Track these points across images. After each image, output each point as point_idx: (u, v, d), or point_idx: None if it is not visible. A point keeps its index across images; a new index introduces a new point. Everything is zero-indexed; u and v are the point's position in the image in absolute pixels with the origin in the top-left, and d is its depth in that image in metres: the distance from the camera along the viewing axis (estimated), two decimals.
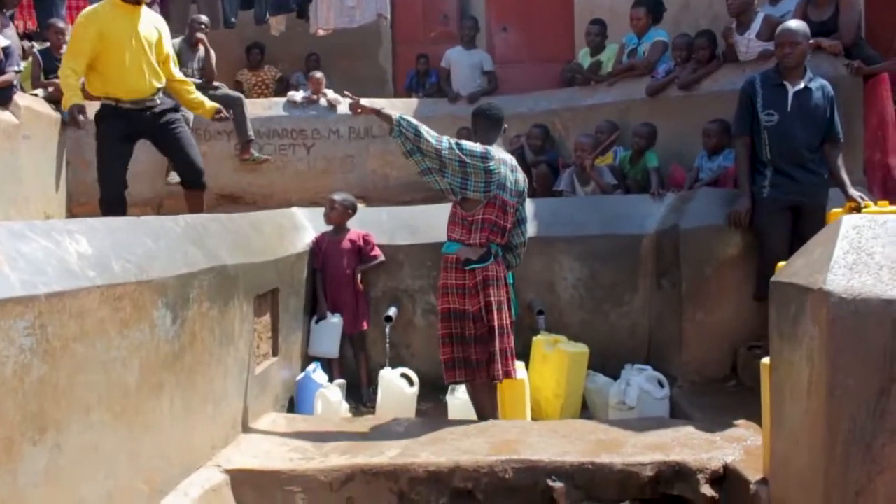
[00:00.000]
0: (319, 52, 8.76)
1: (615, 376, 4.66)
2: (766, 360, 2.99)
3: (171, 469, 2.93)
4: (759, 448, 3.24)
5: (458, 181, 3.83)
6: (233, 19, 7.82)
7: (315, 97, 7.29)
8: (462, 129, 6.84)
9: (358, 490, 3.23)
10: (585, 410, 4.61)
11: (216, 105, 5.00)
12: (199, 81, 6.99)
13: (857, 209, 4.11)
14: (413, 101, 7.77)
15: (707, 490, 3.22)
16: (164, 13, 7.59)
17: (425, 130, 3.81)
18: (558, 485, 3.25)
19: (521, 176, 4.13)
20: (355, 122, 7.39)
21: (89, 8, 4.24)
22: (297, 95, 7.31)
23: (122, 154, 4.62)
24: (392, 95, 9.13)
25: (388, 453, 3.36)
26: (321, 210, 5.18)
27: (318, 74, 7.39)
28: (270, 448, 3.46)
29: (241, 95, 7.21)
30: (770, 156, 4.32)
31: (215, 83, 7.13)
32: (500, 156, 3.98)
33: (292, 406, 4.45)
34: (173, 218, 3.40)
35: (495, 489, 3.27)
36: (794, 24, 4.34)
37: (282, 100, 7.42)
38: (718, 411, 4.03)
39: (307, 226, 5.13)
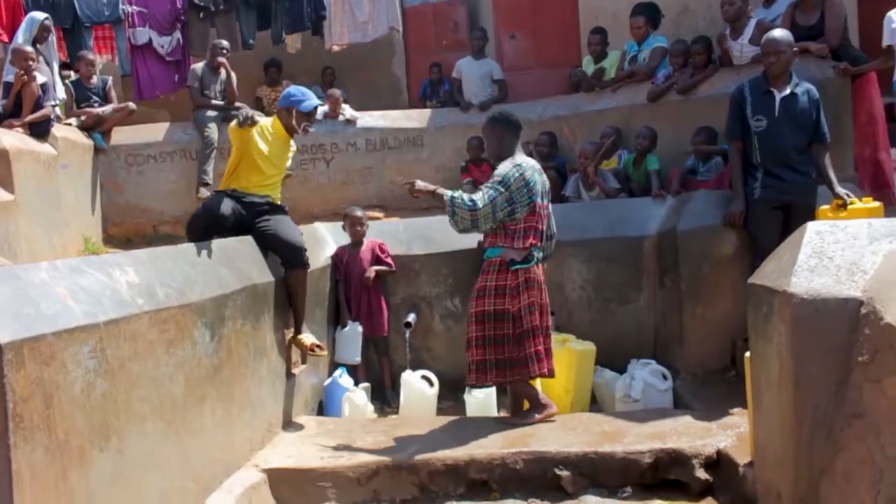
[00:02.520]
0: (335, 65, 9.07)
1: (623, 371, 4.93)
2: (748, 354, 3.29)
3: (216, 469, 3.28)
4: (748, 435, 3.52)
5: (506, 213, 4.03)
6: (251, 41, 8.17)
7: (334, 114, 7.61)
8: (473, 138, 7.16)
9: (383, 484, 3.57)
10: (595, 404, 4.89)
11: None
12: (221, 103, 7.40)
13: (844, 206, 4.36)
14: (426, 112, 8.08)
15: (701, 474, 3.52)
16: (185, 38, 8.02)
17: (476, 199, 3.98)
18: (565, 473, 3.57)
19: (545, 177, 4.30)
20: (372, 134, 7.72)
21: (263, 123, 4.39)
22: (318, 113, 7.63)
23: None
24: (407, 104, 9.46)
25: (409, 449, 3.69)
26: (339, 223, 5.51)
27: (337, 92, 7.72)
28: (303, 448, 3.81)
29: (262, 114, 7.55)
30: (760, 159, 4.57)
31: (237, 104, 7.49)
32: (529, 162, 4.17)
33: (321, 410, 4.79)
34: (207, 243, 3.75)
35: (508, 479, 3.60)
36: (779, 33, 4.59)
37: None
38: (717, 401, 4.30)
39: (329, 240, 5.46)
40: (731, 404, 4.14)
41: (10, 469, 2.19)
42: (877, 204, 4.31)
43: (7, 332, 2.22)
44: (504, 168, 4.09)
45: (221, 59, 7.40)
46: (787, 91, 4.51)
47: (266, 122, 4.44)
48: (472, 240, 5.24)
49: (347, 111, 7.72)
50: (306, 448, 3.81)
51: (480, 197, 4.00)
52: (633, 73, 6.65)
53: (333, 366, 5.07)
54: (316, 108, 4.50)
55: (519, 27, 8.96)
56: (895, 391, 2.28)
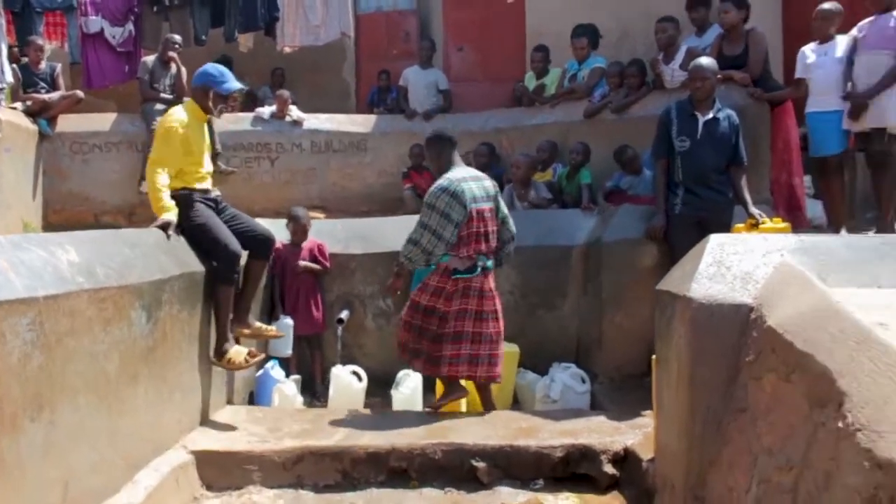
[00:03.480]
0: (285, 66, 9.19)
1: (546, 374, 5.17)
2: (654, 357, 3.54)
3: (145, 448, 3.38)
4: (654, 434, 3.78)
5: (452, 231, 4.23)
6: (203, 37, 8.22)
7: (281, 114, 7.72)
8: (415, 146, 7.36)
9: (307, 469, 3.70)
10: (516, 403, 5.11)
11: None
12: (170, 97, 7.44)
13: (756, 225, 4.68)
14: (372, 117, 8.24)
15: (609, 469, 3.75)
16: (138, 30, 8.04)
17: (411, 236, 4.29)
18: (481, 465, 3.75)
19: (489, 182, 4.51)
20: (317, 136, 7.85)
21: (174, 116, 4.24)
22: (265, 112, 7.74)
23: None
24: (354, 109, 9.62)
25: (334, 437, 3.84)
26: (282, 221, 5.63)
27: (286, 93, 7.82)
28: (231, 434, 3.93)
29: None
30: (682, 177, 4.87)
31: (185, 99, 7.53)
32: (461, 175, 4.37)
33: (252, 400, 4.90)
34: (147, 230, 3.85)
35: (427, 468, 3.76)
36: (705, 60, 4.90)
37: (249, 115, 7.84)
38: (632, 404, 4.54)
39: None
40: (644, 407, 4.38)
41: None
42: (785, 224, 4.65)
43: None
44: (429, 193, 4.33)
45: (172, 54, 7.44)
46: (710, 115, 4.82)
47: (178, 111, 4.30)
48: None
49: (294, 112, 7.83)
50: (234, 433, 3.93)
51: (414, 231, 4.27)
52: (572, 90, 6.94)
53: (265, 358, 5.18)
54: (234, 91, 4.41)
55: (467, 40, 9.21)
56: (772, 387, 2.54)
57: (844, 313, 2.35)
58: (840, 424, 2.03)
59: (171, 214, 4.05)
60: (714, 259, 3.06)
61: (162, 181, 4.13)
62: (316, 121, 7.97)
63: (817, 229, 5.53)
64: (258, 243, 4.46)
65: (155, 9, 7.97)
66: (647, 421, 4.14)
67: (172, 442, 3.64)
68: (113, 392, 3.11)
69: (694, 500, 2.93)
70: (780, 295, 2.77)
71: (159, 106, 7.34)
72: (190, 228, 4.15)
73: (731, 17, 5.57)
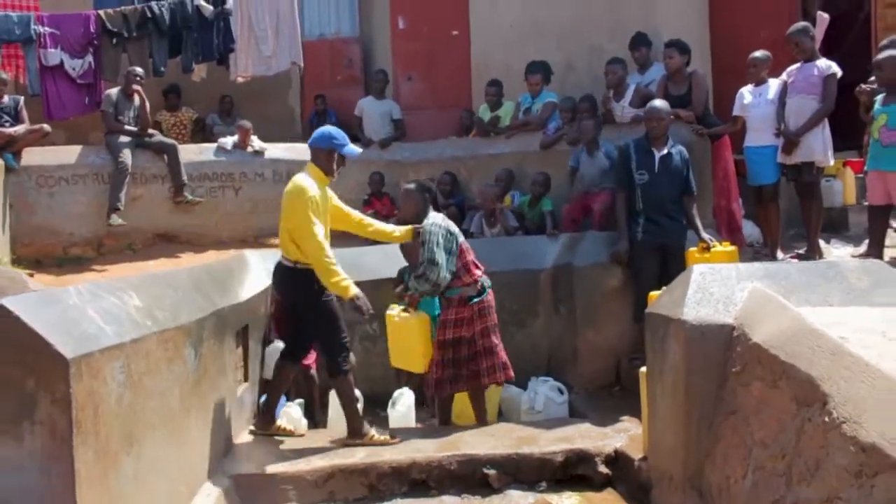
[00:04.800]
0: (232, 94, 9.42)
1: (522, 387, 5.66)
2: (643, 370, 4.08)
3: (198, 475, 3.70)
4: (639, 436, 4.33)
5: (452, 263, 4.77)
6: (162, 68, 8.38)
7: (243, 145, 7.98)
8: (375, 173, 7.78)
9: (338, 485, 4.08)
10: (501, 416, 5.58)
11: (409, 228, 4.93)
12: (135, 129, 7.60)
13: (708, 248, 5.30)
14: None
15: (603, 469, 4.27)
16: (97, 62, 8.14)
17: (430, 282, 4.71)
18: (492, 472, 4.22)
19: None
20: (278, 165, 8.10)
21: (309, 184, 4.32)
22: (228, 142, 7.98)
23: None
24: (300, 135, 9.89)
25: (358, 455, 4.23)
26: (268, 251, 5.93)
27: (247, 124, 8.07)
28: (260, 457, 4.25)
29: (175, 143, 7.81)
30: (642, 206, 5.46)
31: (150, 131, 7.72)
32: (439, 216, 4.93)
33: None
34: (178, 270, 4.15)
35: (444, 478, 4.21)
36: (659, 103, 5.53)
37: (212, 146, 8.05)
38: (608, 411, 5.09)
39: (258, 266, 5.86)
40: (620, 413, 4.94)
41: (74, 469, 2.59)
42: (733, 248, 5.30)
43: (69, 348, 2.62)
44: (431, 233, 4.74)
45: (136, 87, 7.60)
46: (665, 151, 5.44)
47: (305, 180, 4.32)
48: (391, 269, 5.86)
49: (256, 143, 8.09)
50: (263, 456, 4.26)
51: (425, 268, 4.71)
52: (527, 122, 7.48)
53: (262, 383, 5.48)
54: (355, 155, 4.54)
55: (415, 70, 9.64)
56: (760, 392, 3.10)
57: (818, 331, 2.93)
58: (826, 419, 2.60)
59: (357, 289, 4.28)
60: (698, 286, 3.63)
61: (331, 257, 4.21)
62: (276, 150, 8.23)
63: (753, 247, 6.23)
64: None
65: (114, 41, 8.09)
66: (627, 426, 4.68)
67: (213, 468, 3.94)
68: (177, 425, 3.42)
69: (692, 488, 3.48)
70: (756, 315, 3.36)
71: (124, 138, 7.48)
72: (320, 306, 4.36)
73: (675, 61, 6.25)
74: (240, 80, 9.08)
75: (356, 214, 5.03)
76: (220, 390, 4.16)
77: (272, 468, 4.07)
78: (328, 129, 4.60)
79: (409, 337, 5.01)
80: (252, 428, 4.51)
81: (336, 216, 4.73)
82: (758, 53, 5.93)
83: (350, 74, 10.20)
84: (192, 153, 7.88)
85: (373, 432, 4.49)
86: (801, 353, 2.90)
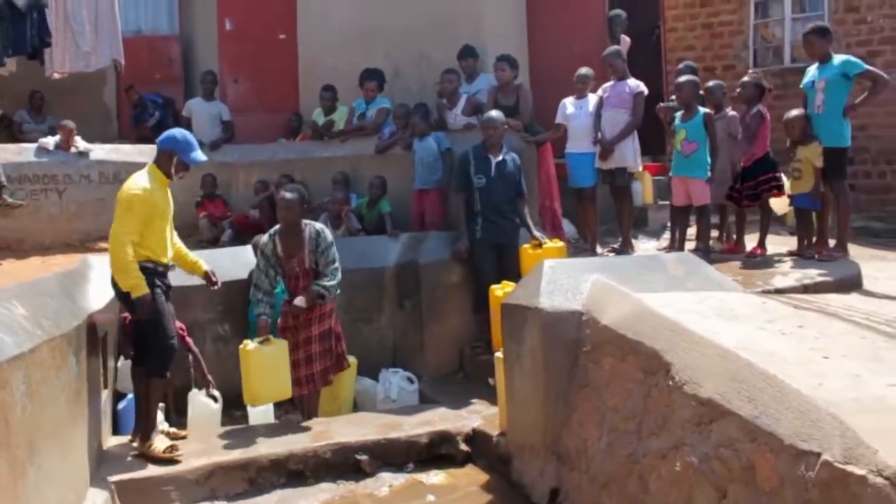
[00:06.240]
0: (44, 90, 8.91)
1: (373, 378, 5.99)
2: (498, 355, 4.57)
3: (82, 482, 3.68)
4: (492, 416, 4.82)
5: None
6: None
7: (66, 145, 7.61)
8: (207, 175, 7.72)
9: (218, 482, 4.20)
10: (356, 406, 5.87)
11: (207, 268, 4.95)
12: None
13: (539, 245, 5.91)
14: (145, 148, 8.27)
15: (464, 447, 4.72)
16: None
17: (334, 283, 5.12)
18: (364, 458, 4.53)
19: None
20: (105, 167, 7.82)
21: (143, 183, 4.30)
22: (50, 143, 7.57)
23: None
24: (116, 134, 9.59)
25: (235, 451, 4.36)
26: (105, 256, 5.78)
27: (70, 124, 7.68)
28: (135, 461, 4.26)
29: None
30: (480, 207, 5.97)
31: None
32: (322, 227, 5.32)
33: (116, 430, 5.11)
34: (45, 279, 4.06)
35: (319, 467, 4.45)
36: (495, 114, 6.07)
37: (33, 146, 7.59)
38: (456, 396, 5.53)
39: (104, 272, 5.71)
40: (468, 397, 5.41)
41: None
42: (562, 244, 5.97)
43: None
44: (327, 239, 5.18)
45: None
46: (500, 157, 5.99)
47: (140, 178, 4.36)
48: (242, 272, 5.94)
49: (80, 143, 7.74)
50: (139, 460, 4.26)
51: (337, 273, 5.16)
52: (361, 127, 7.78)
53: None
54: (199, 163, 4.50)
55: (242, 71, 9.59)
56: (610, 366, 3.67)
57: (658, 312, 3.55)
58: (670, 383, 3.20)
59: (146, 292, 4.20)
60: (549, 279, 4.16)
61: (130, 254, 4.17)
62: (102, 151, 7.92)
63: (572, 243, 6.95)
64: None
65: None
66: (478, 408, 5.17)
67: (94, 475, 3.92)
68: (66, 433, 3.42)
69: (551, 454, 4.00)
70: (601, 302, 3.95)
71: None
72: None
73: (506, 74, 6.83)
74: (56, 76, 8.61)
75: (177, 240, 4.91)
76: (95, 397, 4.12)
77: (152, 471, 4.10)
78: (175, 132, 4.61)
79: (279, 363, 4.98)
80: (135, 450, 4.37)
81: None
82: (583, 70, 6.64)
83: (169, 73, 9.98)
84: (10, 153, 7.40)
85: (156, 443, 4.33)
86: (644, 331, 3.50)
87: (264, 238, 5.30)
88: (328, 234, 5.17)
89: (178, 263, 4.88)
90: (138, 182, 4.35)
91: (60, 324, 3.54)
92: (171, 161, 4.43)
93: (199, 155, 4.55)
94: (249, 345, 4.93)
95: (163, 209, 4.41)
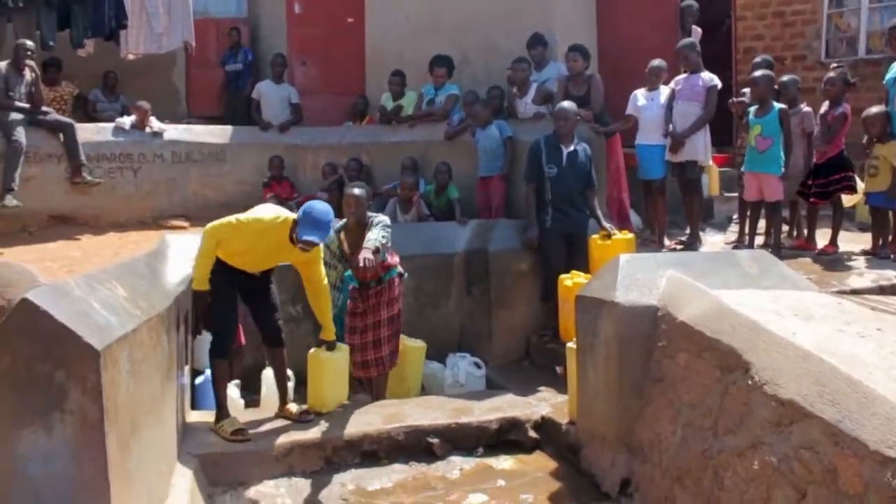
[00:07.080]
0: (117, 70, 9.18)
1: (440, 362, 6.10)
2: (571, 345, 4.62)
3: (171, 455, 3.86)
4: (560, 404, 4.87)
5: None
6: (51, 42, 8.04)
7: (141, 125, 7.85)
8: (274, 157, 7.91)
9: (297, 459, 4.35)
10: (424, 390, 5.98)
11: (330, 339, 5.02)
12: (27, 106, 7.28)
13: (608, 236, 5.93)
14: (228, 129, 8.52)
15: (532, 434, 4.79)
16: None
17: (384, 239, 5.03)
18: (435, 441, 4.63)
19: None
20: (177, 147, 8.06)
21: (260, 216, 4.67)
22: (126, 123, 7.82)
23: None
24: (185, 113, 9.83)
25: (313, 430, 4.51)
26: (181, 235, 5.97)
27: (146, 105, 7.93)
28: (213, 436, 4.43)
29: (72, 122, 7.55)
30: (551, 197, 6.00)
31: (44, 108, 7.43)
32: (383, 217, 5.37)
33: (194, 405, 5.31)
34: (135, 259, 4.24)
35: (392, 448, 4.57)
36: (567, 104, 6.08)
37: (110, 125, 7.86)
38: (524, 383, 5.60)
39: (181, 251, 5.89)
40: (535, 385, 5.47)
41: (106, 455, 2.75)
42: (631, 235, 5.97)
43: (96, 340, 2.78)
44: (383, 217, 5.27)
45: (29, 62, 7.29)
46: (572, 147, 6.00)
47: (268, 211, 4.75)
48: None
49: (155, 123, 7.98)
50: (216, 436, 4.44)
51: (382, 235, 5.06)
52: (430, 112, 7.85)
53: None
54: (302, 242, 4.38)
55: (309, 54, 9.73)
56: (685, 362, 3.69)
57: (735, 311, 3.55)
58: (749, 382, 3.21)
59: (203, 288, 4.58)
60: (625, 273, 4.18)
61: (207, 247, 4.58)
62: (174, 132, 8.16)
63: (640, 233, 6.93)
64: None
65: None
66: (546, 395, 5.22)
67: (180, 448, 4.10)
68: (159, 409, 3.59)
69: (622, 445, 4.05)
70: (677, 298, 3.96)
71: (16, 116, 7.16)
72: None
73: (578, 64, 6.82)
74: (131, 57, 8.89)
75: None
76: (180, 374, 4.30)
77: (232, 446, 4.28)
78: (312, 206, 4.52)
79: (344, 369, 5.07)
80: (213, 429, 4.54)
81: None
82: (656, 62, 6.60)
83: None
84: (89, 133, 7.67)
85: (225, 425, 4.49)
86: (722, 329, 3.51)
87: (330, 233, 5.38)
88: (385, 219, 5.23)
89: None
90: (258, 214, 4.67)
91: (154, 304, 3.70)
92: (293, 229, 4.48)
93: (309, 236, 4.36)
94: (322, 353, 4.96)
95: (248, 250, 4.61)
